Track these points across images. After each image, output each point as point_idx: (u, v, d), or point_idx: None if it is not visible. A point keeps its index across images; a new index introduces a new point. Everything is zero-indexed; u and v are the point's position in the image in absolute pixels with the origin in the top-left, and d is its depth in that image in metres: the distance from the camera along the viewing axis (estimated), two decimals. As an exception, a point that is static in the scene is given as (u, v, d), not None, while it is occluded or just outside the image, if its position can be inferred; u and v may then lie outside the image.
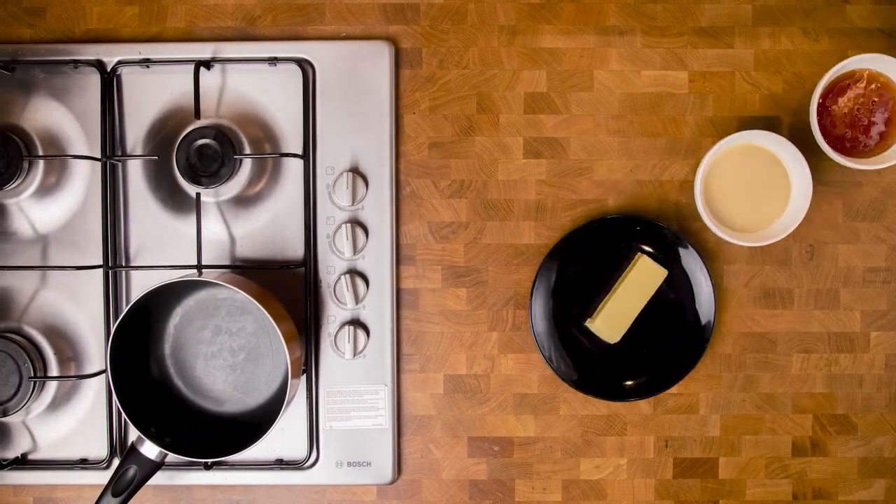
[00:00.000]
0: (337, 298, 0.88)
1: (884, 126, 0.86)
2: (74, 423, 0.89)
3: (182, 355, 0.87)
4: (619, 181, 0.90)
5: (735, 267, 0.90)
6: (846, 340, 0.90)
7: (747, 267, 0.90)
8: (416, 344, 0.90)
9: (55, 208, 0.89)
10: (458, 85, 0.90)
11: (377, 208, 0.88)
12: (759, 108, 0.90)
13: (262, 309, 0.78)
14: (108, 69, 0.88)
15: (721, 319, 0.90)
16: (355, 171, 0.88)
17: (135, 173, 0.88)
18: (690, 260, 0.88)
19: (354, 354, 0.87)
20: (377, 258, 0.88)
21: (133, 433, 0.87)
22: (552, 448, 0.90)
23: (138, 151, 0.88)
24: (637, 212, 0.90)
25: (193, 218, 0.87)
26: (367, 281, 0.88)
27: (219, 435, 0.84)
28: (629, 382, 0.89)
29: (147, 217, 0.88)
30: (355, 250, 0.87)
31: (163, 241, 0.88)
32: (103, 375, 0.88)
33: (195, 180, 0.84)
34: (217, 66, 0.88)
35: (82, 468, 0.89)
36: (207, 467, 0.88)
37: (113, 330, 0.79)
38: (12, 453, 0.89)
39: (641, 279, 0.87)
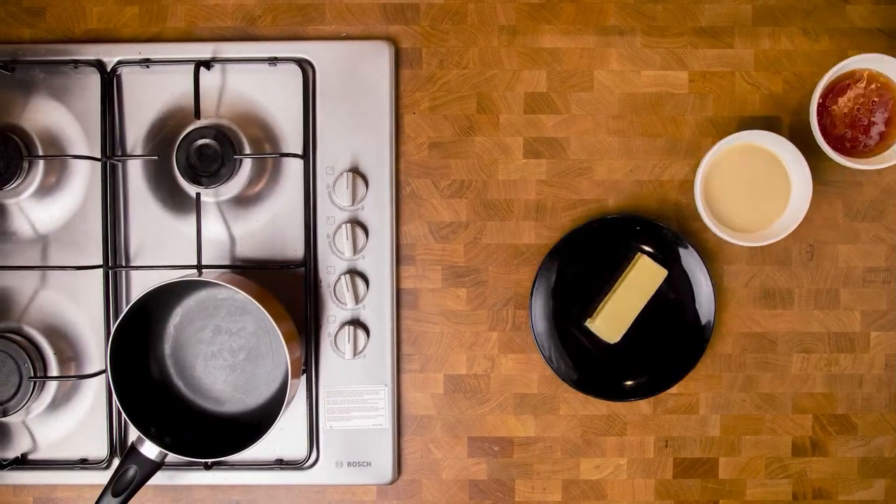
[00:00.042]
0: (337, 298, 0.88)
1: (884, 126, 0.86)
2: (74, 423, 0.89)
3: (182, 355, 0.87)
4: (619, 181, 0.90)
5: (735, 267, 0.90)
6: (846, 340, 0.90)
7: (747, 267, 0.90)
8: (416, 344, 0.90)
9: (55, 208, 0.89)
10: (458, 85, 0.90)
11: (377, 208, 0.88)
12: (759, 108, 0.90)
13: (262, 309, 0.78)
14: (108, 69, 0.88)
15: (721, 319, 0.90)
16: (355, 171, 0.88)
17: (135, 173, 0.88)
18: (690, 260, 0.88)
19: (354, 354, 0.87)
20: (377, 258, 0.88)
21: (133, 433, 0.87)
22: (552, 448, 0.90)
23: (138, 151, 0.88)
24: (637, 212, 0.90)
25: (193, 218, 0.87)
26: (367, 281, 0.88)
27: (219, 435, 0.84)
28: (629, 382, 0.89)
29: (147, 217, 0.88)
30: (355, 250, 0.87)
31: (163, 241, 0.88)
32: (103, 375, 0.88)
33: (195, 180, 0.84)
34: (217, 66, 0.88)
35: (82, 468, 0.89)
36: (207, 467, 0.88)
37: (113, 330, 0.79)
38: (12, 453, 0.89)
39: (641, 279, 0.87)
